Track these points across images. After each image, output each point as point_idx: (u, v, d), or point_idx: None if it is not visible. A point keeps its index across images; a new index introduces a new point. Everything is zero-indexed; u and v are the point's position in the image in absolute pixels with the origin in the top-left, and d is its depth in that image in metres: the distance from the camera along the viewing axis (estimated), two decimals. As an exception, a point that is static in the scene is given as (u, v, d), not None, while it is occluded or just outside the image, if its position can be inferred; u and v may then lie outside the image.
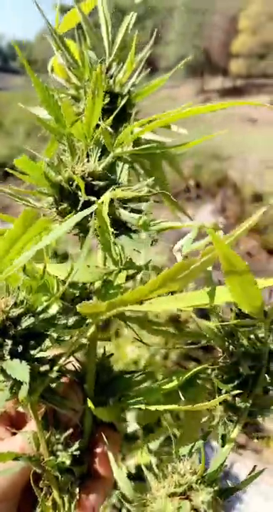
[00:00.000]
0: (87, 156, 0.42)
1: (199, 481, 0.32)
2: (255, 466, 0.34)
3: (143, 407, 0.35)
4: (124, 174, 0.43)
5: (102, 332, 0.44)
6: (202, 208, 5.21)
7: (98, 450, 0.37)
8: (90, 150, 0.42)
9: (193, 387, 0.39)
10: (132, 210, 0.41)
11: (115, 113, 0.42)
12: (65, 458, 0.34)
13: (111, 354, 0.41)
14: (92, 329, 0.39)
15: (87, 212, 0.32)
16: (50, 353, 0.33)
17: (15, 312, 0.32)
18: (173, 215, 0.56)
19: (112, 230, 0.38)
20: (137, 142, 0.46)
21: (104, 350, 0.42)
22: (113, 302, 0.32)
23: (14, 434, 0.36)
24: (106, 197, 0.35)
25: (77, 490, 0.35)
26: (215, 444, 0.37)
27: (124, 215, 0.36)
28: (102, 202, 0.36)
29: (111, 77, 0.47)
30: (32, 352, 0.32)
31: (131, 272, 0.41)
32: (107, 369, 0.40)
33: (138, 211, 0.41)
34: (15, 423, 0.38)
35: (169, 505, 0.30)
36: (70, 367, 0.39)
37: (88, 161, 0.41)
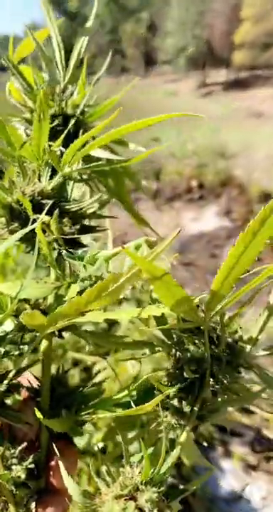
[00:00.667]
0: (40, 176, 0.47)
1: (145, 483, 0.36)
2: None
3: (94, 416, 0.40)
4: (76, 192, 0.48)
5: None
6: (206, 210, 5.26)
7: (54, 464, 0.41)
8: (42, 170, 0.47)
9: (150, 396, 0.43)
10: (83, 227, 0.46)
11: (65, 133, 0.47)
12: (19, 472, 0.38)
13: (68, 370, 0.46)
14: (44, 344, 0.43)
15: (27, 229, 0.37)
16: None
17: None
18: (140, 228, 0.61)
19: (59, 246, 0.43)
20: (89, 160, 0.51)
21: (62, 366, 0.47)
22: (54, 314, 0.36)
23: None
24: (46, 218, 0.39)
25: (34, 504, 0.39)
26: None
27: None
28: (47, 219, 0.40)
29: (63, 99, 0.52)
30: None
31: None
32: (63, 384, 0.44)
33: (87, 229, 0.46)
34: None
35: (115, 507, 0.35)
36: (26, 382, 0.43)
37: (40, 182, 0.46)
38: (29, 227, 0.37)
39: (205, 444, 1.77)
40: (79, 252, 0.42)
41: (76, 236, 0.44)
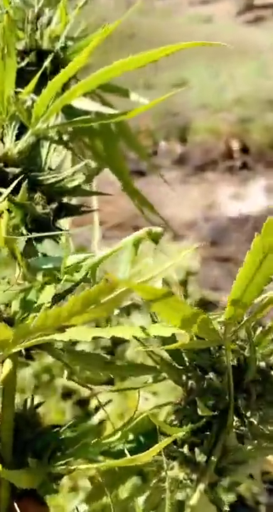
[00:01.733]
0: (3, 136, 0.48)
1: None
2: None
3: (73, 468, 0.41)
4: (53, 158, 0.49)
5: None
6: (251, 184, 5.23)
7: None
8: (6, 128, 0.47)
9: (152, 441, 0.44)
10: (62, 207, 0.47)
11: (38, 76, 0.48)
12: None
13: (40, 403, 0.47)
14: (6, 368, 0.44)
15: None
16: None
17: None
18: (136, 205, 0.62)
19: (28, 232, 0.43)
20: (73, 114, 0.52)
21: (33, 397, 0.48)
22: (22, 328, 0.37)
23: None
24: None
25: None
26: None
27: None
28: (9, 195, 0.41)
29: (37, 29, 0.52)
30: None
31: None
32: (32, 423, 0.45)
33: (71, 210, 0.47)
34: None
35: None
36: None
37: (3, 143, 0.47)
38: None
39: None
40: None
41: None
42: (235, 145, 5.81)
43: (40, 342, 0.37)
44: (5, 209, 0.40)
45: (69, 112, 0.53)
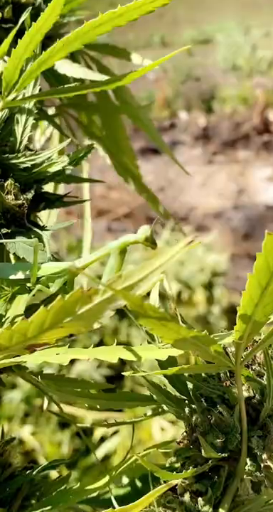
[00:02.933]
0: None
1: None
2: None
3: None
4: (32, 137, 0.49)
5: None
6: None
7: None
8: None
9: (147, 488, 0.43)
10: (40, 197, 0.47)
11: (13, 34, 0.47)
12: None
13: (12, 439, 0.47)
14: None
15: None
16: None
17: None
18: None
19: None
20: (60, 82, 0.52)
21: (2, 430, 0.47)
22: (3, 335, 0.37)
23: None
24: None
25: None
26: None
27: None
28: None
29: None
30: None
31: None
32: (2, 462, 0.45)
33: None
34: None
35: None
36: None
37: None
38: None
39: None
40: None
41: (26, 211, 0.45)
42: (272, 116, 5.78)
43: (5, 365, 0.37)
44: None
45: (53, 79, 0.53)
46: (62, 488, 0.44)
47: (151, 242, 0.40)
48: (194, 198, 4.58)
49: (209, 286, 2.95)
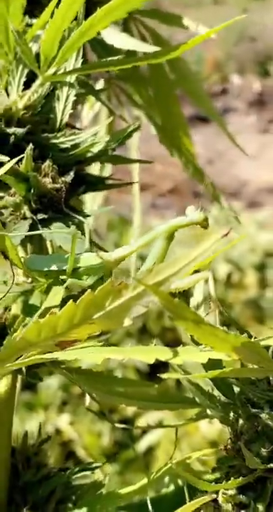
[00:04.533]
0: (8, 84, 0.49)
1: None
2: None
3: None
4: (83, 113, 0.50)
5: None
6: None
7: None
8: (11, 73, 0.48)
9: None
10: (80, 179, 0.47)
11: (54, 3, 0.48)
12: None
13: (48, 437, 0.48)
14: (2, 386, 0.45)
15: None
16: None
17: None
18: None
19: (32, 213, 0.44)
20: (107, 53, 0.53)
21: (40, 427, 0.49)
22: (13, 346, 0.38)
23: None
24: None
25: None
26: None
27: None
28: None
29: None
30: None
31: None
32: (35, 461, 0.47)
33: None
34: None
35: None
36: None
37: (7, 94, 0.48)
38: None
39: None
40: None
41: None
42: None
43: (36, 361, 0.38)
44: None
45: (101, 50, 0.54)
46: (100, 491, 0.45)
47: (206, 225, 0.40)
48: (246, 172, 4.55)
49: (261, 268, 2.94)
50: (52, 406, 2.04)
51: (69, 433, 1.88)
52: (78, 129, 0.51)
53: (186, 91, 0.62)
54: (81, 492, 0.46)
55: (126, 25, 0.59)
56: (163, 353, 0.37)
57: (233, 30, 5.89)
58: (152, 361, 0.37)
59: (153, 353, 0.37)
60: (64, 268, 0.41)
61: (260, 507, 0.41)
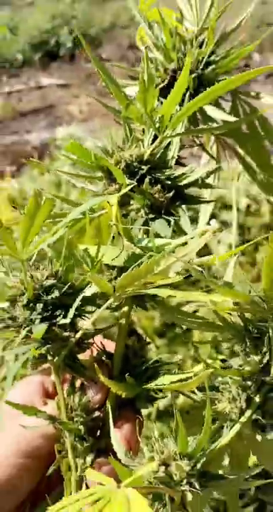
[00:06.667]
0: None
1: (182, 455, 0.64)
2: None
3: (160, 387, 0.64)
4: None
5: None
6: None
7: (115, 429, 0.62)
8: (144, 133, 0.76)
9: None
10: (177, 196, 0.77)
11: (175, 92, 0.79)
12: (79, 425, 0.65)
13: (148, 342, 0.72)
14: (124, 309, 0.68)
15: (101, 199, 0.69)
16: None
17: (49, 282, 0.64)
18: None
19: (146, 214, 0.75)
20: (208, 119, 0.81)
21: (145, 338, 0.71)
22: (123, 279, 0.58)
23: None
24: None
25: (90, 461, 0.66)
26: None
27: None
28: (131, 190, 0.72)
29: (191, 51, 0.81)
30: (57, 319, 0.63)
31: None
32: (139, 356, 0.70)
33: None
34: (52, 396, 0.70)
35: (147, 469, 0.63)
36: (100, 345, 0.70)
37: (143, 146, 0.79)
38: (112, 197, 0.69)
39: None
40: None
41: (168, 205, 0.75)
42: None
43: (133, 293, 0.62)
44: (117, 200, 0.63)
45: (204, 118, 0.78)
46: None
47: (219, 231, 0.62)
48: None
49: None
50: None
51: (131, 317, 2.14)
52: (184, 165, 0.76)
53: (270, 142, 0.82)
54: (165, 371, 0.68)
55: (233, 99, 0.85)
56: (218, 296, 0.57)
57: (255, 17, 6.26)
58: (216, 299, 0.57)
59: (208, 296, 0.58)
60: (150, 245, 0.66)
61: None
